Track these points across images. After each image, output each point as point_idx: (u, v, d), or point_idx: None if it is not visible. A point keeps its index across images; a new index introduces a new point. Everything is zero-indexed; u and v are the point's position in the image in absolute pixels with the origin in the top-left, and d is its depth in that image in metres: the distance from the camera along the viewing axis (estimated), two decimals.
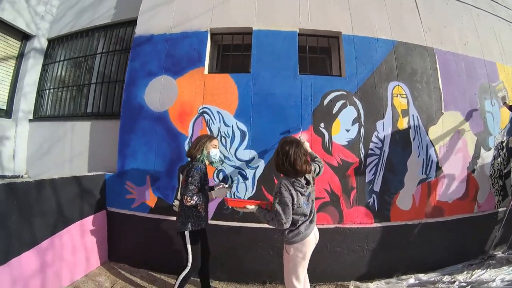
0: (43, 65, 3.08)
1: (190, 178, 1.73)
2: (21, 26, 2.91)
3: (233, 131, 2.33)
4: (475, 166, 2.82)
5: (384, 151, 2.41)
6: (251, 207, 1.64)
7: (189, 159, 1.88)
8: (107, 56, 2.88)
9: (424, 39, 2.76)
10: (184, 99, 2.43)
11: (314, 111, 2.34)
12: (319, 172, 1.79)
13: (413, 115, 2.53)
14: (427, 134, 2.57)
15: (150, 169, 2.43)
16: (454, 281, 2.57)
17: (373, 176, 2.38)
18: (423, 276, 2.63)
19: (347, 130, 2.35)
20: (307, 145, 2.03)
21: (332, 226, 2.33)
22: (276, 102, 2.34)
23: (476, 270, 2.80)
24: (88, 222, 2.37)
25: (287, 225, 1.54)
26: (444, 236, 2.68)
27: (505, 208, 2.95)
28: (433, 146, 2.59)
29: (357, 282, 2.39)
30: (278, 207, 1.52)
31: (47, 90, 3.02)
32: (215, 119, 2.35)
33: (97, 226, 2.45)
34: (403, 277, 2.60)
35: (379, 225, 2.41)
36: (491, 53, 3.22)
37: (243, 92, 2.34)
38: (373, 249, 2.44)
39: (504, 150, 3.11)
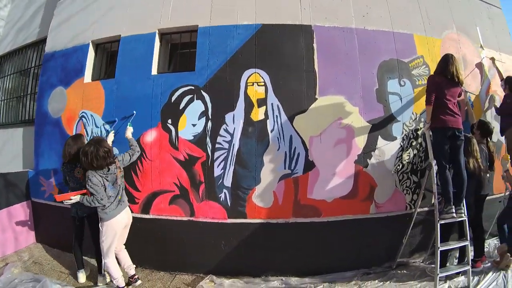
0: None
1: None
2: None
3: (101, 131, 2.42)
4: (368, 160, 2.22)
5: (233, 144, 2.17)
6: (75, 197, 1.92)
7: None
8: (34, 70, 3.40)
9: (301, 17, 2.31)
10: (70, 106, 2.68)
11: (163, 108, 2.32)
12: (130, 159, 2.12)
13: (272, 104, 2.18)
14: (292, 124, 2.17)
15: (52, 166, 2.78)
16: None
17: (222, 170, 2.17)
18: (295, 281, 2.31)
19: (194, 125, 2.22)
20: (128, 132, 2.25)
21: (185, 219, 2.29)
22: (133, 103, 2.42)
23: (369, 282, 2.25)
24: (15, 209, 2.96)
25: (104, 201, 1.88)
26: (326, 239, 2.33)
27: (424, 209, 2.24)
28: (300, 137, 2.17)
29: (214, 277, 2.27)
30: (92, 189, 1.85)
31: (1, 101, 3.60)
32: (89, 121, 2.52)
33: (23, 213, 3.00)
34: (272, 278, 2.29)
35: (235, 221, 2.23)
36: (408, 24, 2.57)
37: (108, 96, 2.49)
38: (235, 246, 2.29)
39: (420, 139, 2.35)
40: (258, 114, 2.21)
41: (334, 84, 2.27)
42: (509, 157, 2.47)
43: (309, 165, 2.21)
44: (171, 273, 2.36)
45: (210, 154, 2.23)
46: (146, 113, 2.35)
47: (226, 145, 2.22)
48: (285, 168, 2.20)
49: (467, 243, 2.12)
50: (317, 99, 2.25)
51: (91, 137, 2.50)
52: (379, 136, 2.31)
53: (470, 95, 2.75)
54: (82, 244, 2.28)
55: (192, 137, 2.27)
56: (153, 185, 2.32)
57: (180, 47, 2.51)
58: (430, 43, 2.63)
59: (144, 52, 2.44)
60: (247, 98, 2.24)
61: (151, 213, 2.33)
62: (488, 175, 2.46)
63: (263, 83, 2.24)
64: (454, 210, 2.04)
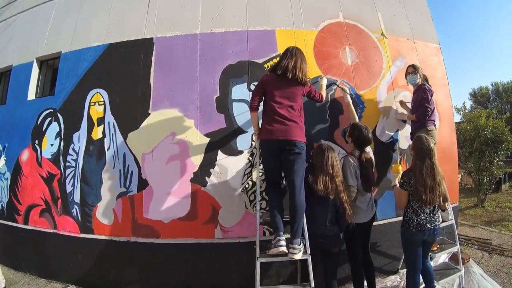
0: None
1: None
2: None
3: None
4: (207, 178, 2.09)
5: (78, 163, 2.39)
6: None
7: None
8: None
9: (144, 31, 2.32)
10: None
11: (33, 130, 2.61)
12: None
13: (109, 122, 2.30)
14: (126, 141, 2.21)
15: None
16: None
17: (72, 187, 2.42)
18: None
19: (52, 145, 2.54)
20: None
21: (51, 231, 2.54)
22: (17, 126, 2.75)
23: None
24: None
25: None
26: (170, 263, 2.37)
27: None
28: (133, 154, 2.21)
29: (73, 286, 2.40)
30: None
31: None
32: None
33: None
34: None
35: (85, 236, 2.47)
36: (268, 19, 2.44)
37: (1, 120, 2.85)
38: (89, 260, 2.58)
39: None
40: (97, 133, 2.34)
41: (169, 96, 2.22)
42: (400, 168, 1.95)
43: (143, 183, 2.23)
44: (48, 280, 2.68)
45: (63, 172, 2.48)
46: (22, 135, 2.73)
47: (73, 163, 2.43)
48: (120, 186, 2.26)
49: None
50: (150, 114, 2.22)
51: None
52: (219, 151, 2.12)
53: (359, 93, 2.23)
54: None
55: (50, 156, 2.59)
56: (28, 199, 2.69)
57: (54, 72, 2.78)
58: (299, 37, 2.30)
59: (24, 80, 2.88)
60: (89, 117, 2.40)
61: (29, 224, 2.68)
62: (369, 195, 1.93)
63: (102, 102, 2.34)
64: (282, 243, 1.62)
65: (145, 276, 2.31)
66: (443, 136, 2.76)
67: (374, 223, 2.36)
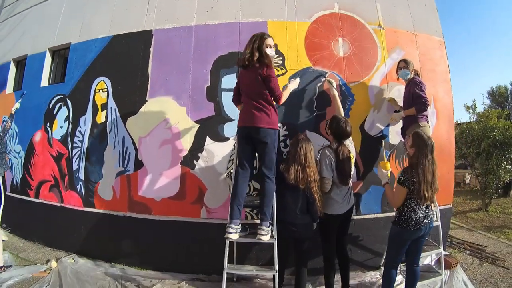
0: None
1: None
2: None
3: (13, 132, 3.24)
4: (195, 161, 2.26)
5: (84, 143, 2.64)
6: None
7: None
8: None
9: (144, 24, 2.51)
10: None
11: (45, 114, 2.91)
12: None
13: (111, 108, 2.55)
14: (125, 125, 2.44)
15: None
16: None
17: (78, 165, 2.69)
18: (133, 272, 2.63)
19: (61, 127, 2.81)
20: (14, 107, 2.83)
21: (58, 204, 2.84)
22: (31, 110, 3.16)
23: None
24: None
25: None
26: (159, 237, 2.60)
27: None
28: (131, 137, 2.45)
29: (76, 255, 2.84)
30: None
31: None
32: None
33: None
34: (117, 265, 2.61)
35: (88, 209, 2.73)
36: (261, 10, 2.55)
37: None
38: (90, 231, 2.88)
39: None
40: (101, 117, 2.61)
41: (164, 85, 2.41)
42: (388, 165, 1.94)
43: (139, 164, 2.47)
44: (53, 249, 3.04)
45: (70, 151, 2.80)
46: (36, 118, 3.10)
47: (79, 144, 2.74)
48: (119, 166, 2.50)
49: (272, 273, 1.75)
50: (147, 101, 2.42)
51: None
52: (207, 137, 2.28)
53: (350, 86, 2.26)
54: None
55: (60, 137, 2.93)
56: (39, 175, 3.09)
57: (65, 61, 3.08)
58: (291, 29, 2.37)
59: (38, 68, 3.23)
60: (94, 103, 2.68)
61: (40, 198, 3.02)
62: (346, 188, 1.94)
63: (106, 89, 2.58)
64: (232, 230, 1.70)
65: (139, 250, 2.54)
66: (441, 134, 2.70)
67: (358, 217, 2.43)
